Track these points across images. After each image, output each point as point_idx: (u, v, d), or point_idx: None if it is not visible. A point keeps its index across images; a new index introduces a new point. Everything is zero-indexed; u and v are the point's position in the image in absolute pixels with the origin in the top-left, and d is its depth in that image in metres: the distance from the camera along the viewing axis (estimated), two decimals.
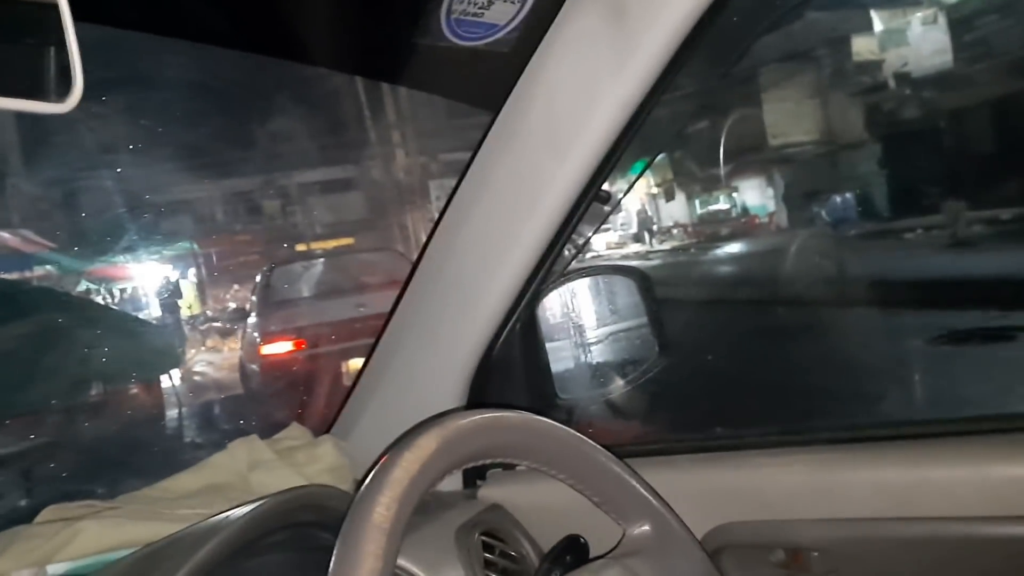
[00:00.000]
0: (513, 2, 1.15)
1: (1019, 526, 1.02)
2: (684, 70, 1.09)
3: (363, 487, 0.71)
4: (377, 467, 0.73)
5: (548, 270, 1.24)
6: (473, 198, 1.23)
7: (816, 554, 1.14)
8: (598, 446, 0.94)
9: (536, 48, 1.12)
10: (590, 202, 1.18)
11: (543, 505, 1.27)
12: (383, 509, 0.69)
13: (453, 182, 1.27)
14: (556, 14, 1.10)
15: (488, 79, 1.18)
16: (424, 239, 1.31)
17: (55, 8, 0.65)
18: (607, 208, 1.25)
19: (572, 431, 0.92)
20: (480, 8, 1.18)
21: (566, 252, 1.24)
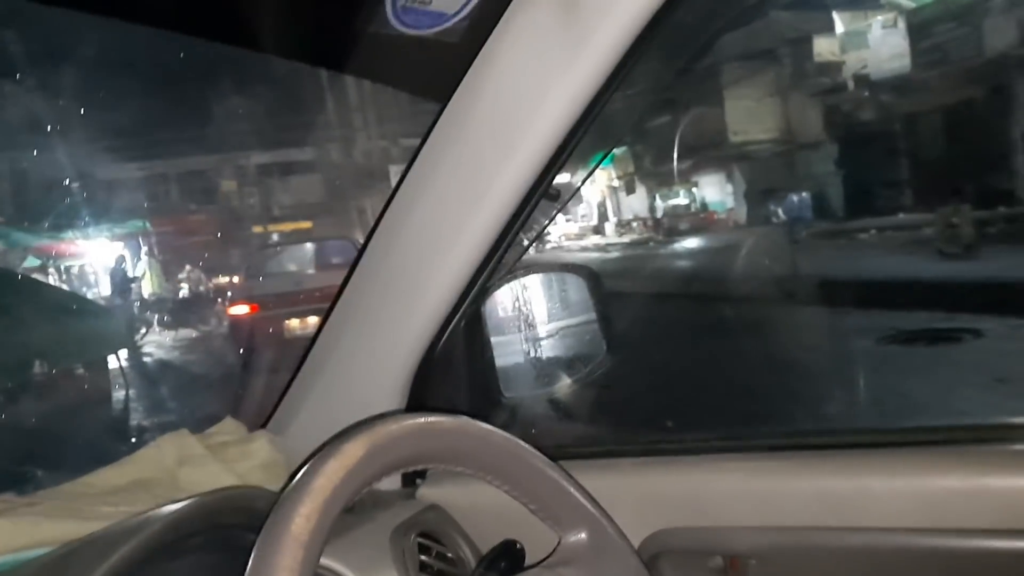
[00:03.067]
0: None
1: (958, 538, 1.02)
2: (639, 65, 1.07)
3: (283, 495, 0.68)
4: (300, 475, 0.70)
5: (494, 266, 1.21)
6: (419, 190, 1.20)
7: (754, 562, 1.14)
8: (535, 452, 0.92)
9: (486, 39, 1.09)
10: (539, 198, 1.16)
11: (484, 506, 1.25)
12: (302, 520, 0.66)
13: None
14: (507, 5, 1.07)
15: (436, 69, 1.15)
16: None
17: None
18: (556, 205, 1.23)
19: (508, 436, 0.90)
20: None
21: (514, 248, 1.21)
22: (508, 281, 1.32)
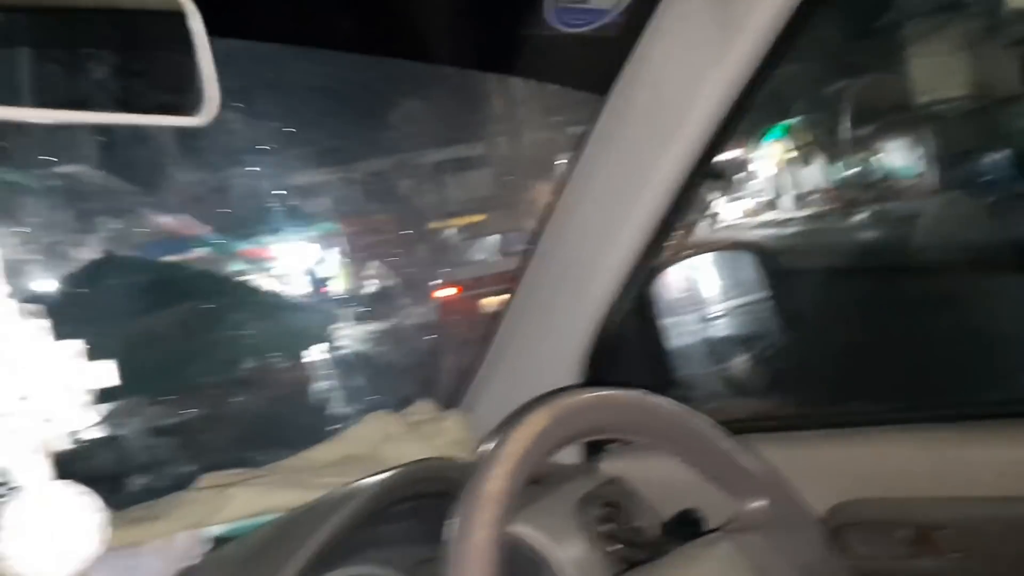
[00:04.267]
0: None
1: None
2: (800, 41, 1.07)
3: (480, 460, 0.77)
4: (494, 441, 0.78)
5: (660, 248, 1.25)
6: (586, 178, 1.25)
7: (948, 532, 1.12)
8: (711, 421, 0.96)
9: (642, 32, 1.13)
10: (700, 181, 1.18)
11: (661, 479, 1.28)
12: (497, 481, 0.74)
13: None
14: None
15: (596, 64, 1.20)
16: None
17: (185, 22, 0.69)
18: (722, 185, 1.25)
19: (684, 407, 0.94)
20: None
21: (682, 228, 1.25)
22: (678, 261, 1.36)
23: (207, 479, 1.18)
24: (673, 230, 1.23)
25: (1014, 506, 1.07)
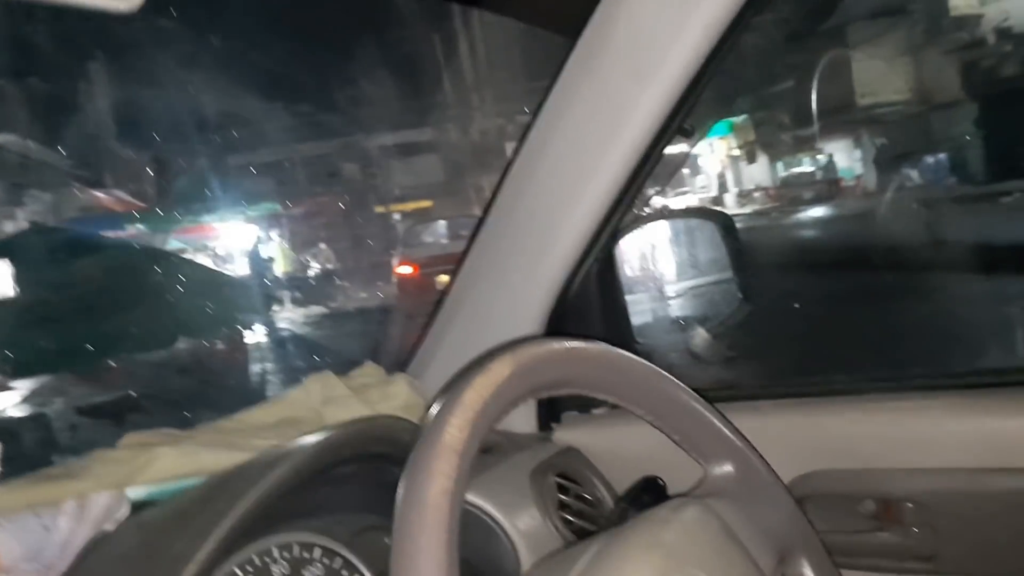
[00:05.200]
0: None
1: None
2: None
3: (435, 408, 0.69)
4: (449, 390, 0.71)
5: (628, 206, 1.19)
6: (550, 128, 1.18)
7: (909, 505, 1.08)
8: (679, 383, 0.90)
9: None
10: (673, 134, 1.12)
11: (618, 449, 1.24)
12: (455, 430, 0.66)
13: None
14: None
15: (567, 2, 1.13)
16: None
17: None
18: (690, 143, 1.19)
19: (652, 365, 0.88)
20: None
21: (649, 187, 1.19)
22: (643, 224, 1.30)
23: (131, 437, 1.08)
24: (642, 189, 1.17)
25: (980, 479, 1.04)
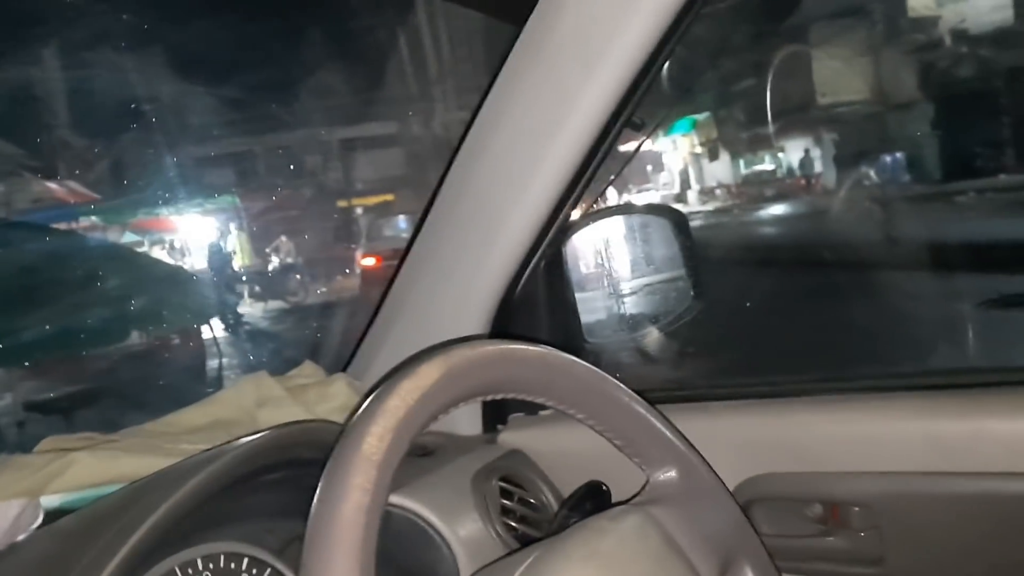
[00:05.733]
0: None
1: None
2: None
3: (355, 416, 0.65)
4: (372, 395, 0.66)
5: (576, 201, 1.15)
6: (495, 120, 1.14)
7: (856, 509, 1.07)
8: (622, 385, 0.87)
9: None
10: (622, 126, 1.09)
11: (565, 452, 1.21)
12: (374, 440, 0.62)
13: None
14: None
15: None
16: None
17: None
18: (640, 136, 1.16)
19: (593, 368, 0.85)
20: None
21: (598, 182, 1.15)
22: (592, 220, 1.26)
23: (48, 442, 1.03)
24: (591, 183, 1.13)
25: (927, 482, 1.03)
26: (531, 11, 1.07)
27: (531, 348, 0.79)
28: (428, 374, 0.68)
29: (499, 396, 0.78)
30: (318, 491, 0.60)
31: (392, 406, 0.65)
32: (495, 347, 0.76)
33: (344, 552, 0.56)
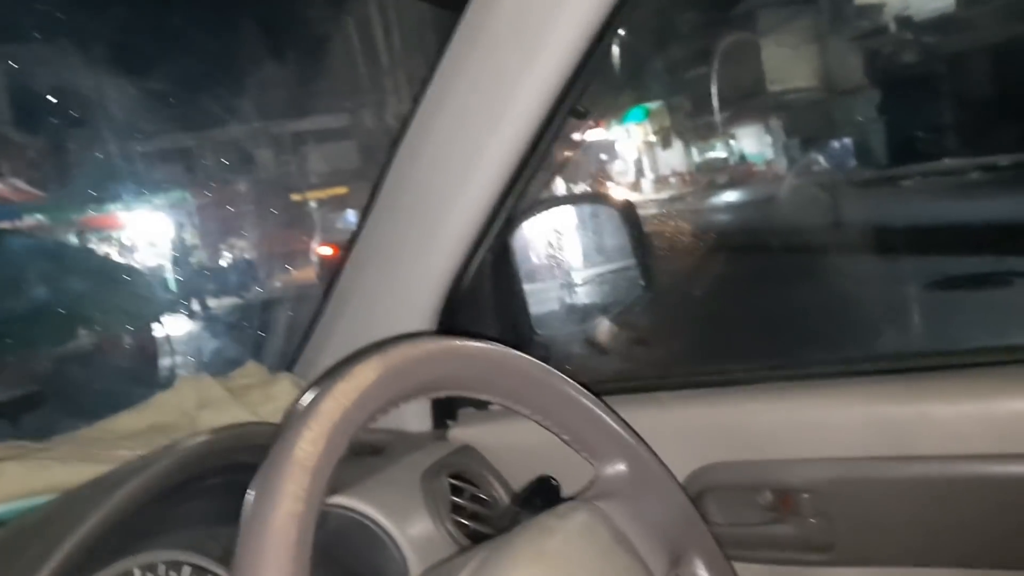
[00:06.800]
0: None
1: None
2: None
3: (288, 419, 0.62)
4: (306, 397, 0.64)
5: (522, 192, 1.14)
6: (435, 110, 1.12)
7: (806, 496, 1.07)
8: (567, 379, 0.85)
9: None
10: (565, 114, 1.07)
11: (516, 446, 1.19)
12: (307, 444, 0.59)
13: None
14: None
15: None
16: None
17: None
18: (585, 124, 1.14)
19: (537, 361, 0.83)
20: None
21: (544, 172, 1.13)
22: (539, 211, 1.25)
23: None
24: (533, 172, 1.12)
25: (875, 466, 1.03)
26: None
27: (472, 344, 0.78)
28: (364, 374, 0.66)
29: (442, 394, 0.76)
30: (250, 498, 0.58)
31: (326, 408, 0.62)
32: (435, 344, 0.74)
33: (275, 562, 0.54)
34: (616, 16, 0.98)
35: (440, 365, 0.74)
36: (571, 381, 0.85)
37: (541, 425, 0.85)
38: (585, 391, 0.86)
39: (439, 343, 0.74)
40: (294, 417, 0.62)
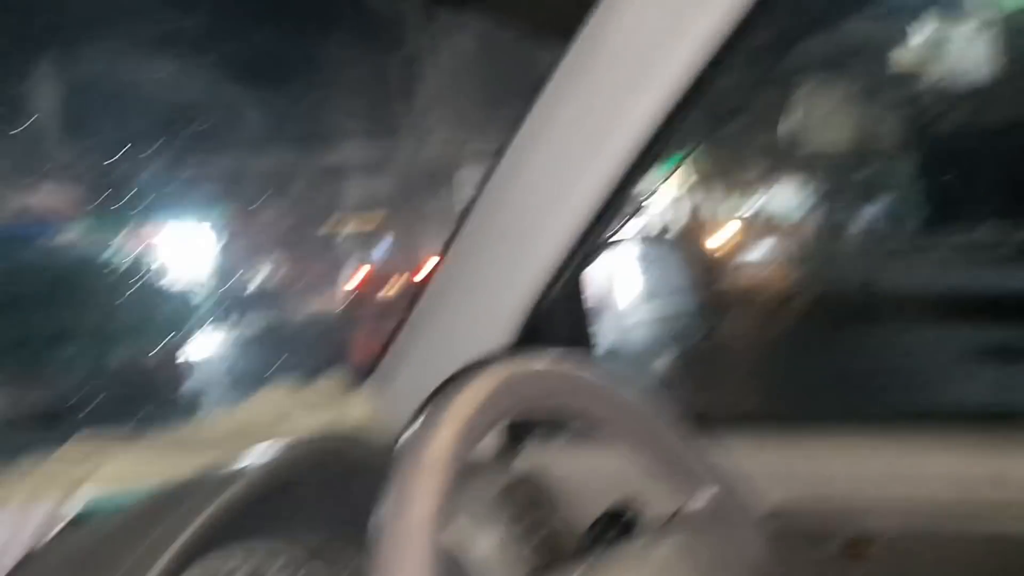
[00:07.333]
0: None
1: None
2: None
3: (421, 418, 0.64)
4: (437, 399, 0.66)
5: (608, 223, 1.15)
6: (536, 137, 1.14)
7: (879, 543, 1.06)
8: (666, 409, 0.86)
9: None
10: (663, 146, 1.09)
11: (583, 477, 1.20)
12: (442, 447, 0.61)
13: None
14: None
15: (560, 3, 1.09)
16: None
17: None
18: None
19: (639, 390, 0.84)
20: None
21: (631, 204, 1.15)
22: (618, 244, 1.26)
23: (79, 440, 1.01)
24: (624, 201, 1.13)
25: (948, 518, 1.03)
26: (579, 26, 1.07)
27: (585, 365, 0.79)
28: (489, 383, 0.68)
29: (546, 413, 0.78)
30: (388, 493, 0.60)
31: (455, 414, 0.64)
32: (552, 361, 0.76)
33: (414, 560, 0.56)
34: (732, 48, 1.00)
35: (554, 383, 0.75)
36: (670, 413, 0.86)
37: (632, 453, 0.85)
38: (681, 422, 0.87)
39: (555, 361, 0.76)
40: (423, 423, 0.64)
